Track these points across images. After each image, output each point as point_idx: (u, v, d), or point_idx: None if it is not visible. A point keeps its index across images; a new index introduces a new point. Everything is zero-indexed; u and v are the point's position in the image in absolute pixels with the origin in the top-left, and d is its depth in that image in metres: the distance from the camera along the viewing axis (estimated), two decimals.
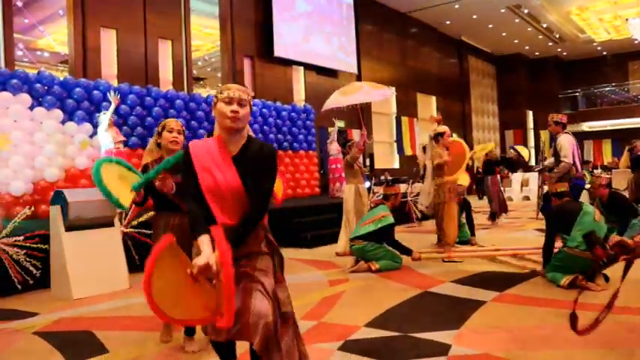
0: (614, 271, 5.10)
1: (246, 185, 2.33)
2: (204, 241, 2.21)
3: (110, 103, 7.89)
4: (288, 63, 14.67)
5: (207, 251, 2.17)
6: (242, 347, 2.86)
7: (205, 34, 14.68)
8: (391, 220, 6.29)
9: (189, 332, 3.68)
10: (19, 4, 11.32)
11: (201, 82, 17.14)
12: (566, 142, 6.64)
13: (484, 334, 3.65)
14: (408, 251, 6.23)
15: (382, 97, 7.48)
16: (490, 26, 21.94)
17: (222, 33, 13.34)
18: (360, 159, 7.43)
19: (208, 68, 17.20)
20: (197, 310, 2.17)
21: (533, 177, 15.92)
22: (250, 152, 2.39)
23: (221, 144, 2.38)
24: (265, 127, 11.73)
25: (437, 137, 6.89)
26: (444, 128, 6.92)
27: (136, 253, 6.22)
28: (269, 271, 2.40)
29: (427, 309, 4.48)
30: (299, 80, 15.18)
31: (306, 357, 2.49)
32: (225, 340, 2.30)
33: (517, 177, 18.02)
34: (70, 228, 5.50)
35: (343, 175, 11.84)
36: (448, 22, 21.22)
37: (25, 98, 7.69)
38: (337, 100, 7.27)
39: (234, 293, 2.08)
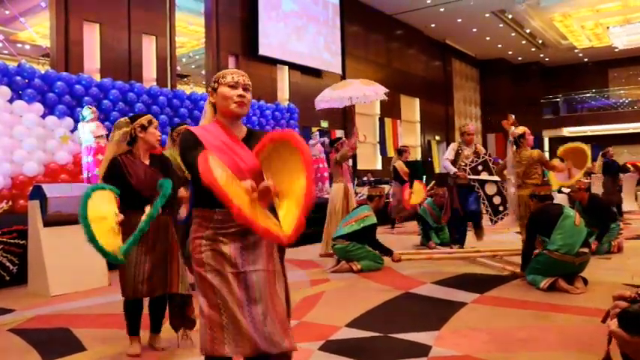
0: (592, 273, 5.19)
1: None
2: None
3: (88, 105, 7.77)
4: (273, 62, 14.63)
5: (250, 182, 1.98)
6: None
7: (190, 30, 14.58)
8: (374, 220, 6.29)
9: (156, 329, 3.63)
10: None
11: (185, 80, 17.01)
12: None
13: (464, 336, 3.67)
14: (388, 252, 6.22)
15: (374, 94, 7.43)
16: (474, 30, 22.10)
17: (207, 30, 13.25)
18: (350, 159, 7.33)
19: (192, 65, 17.09)
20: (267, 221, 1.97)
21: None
22: (256, 138, 2.26)
23: (226, 128, 2.29)
24: (248, 125, 11.66)
25: (518, 140, 6.39)
26: (522, 129, 6.43)
27: None
28: (280, 270, 2.36)
29: (408, 310, 4.49)
30: (283, 79, 15.15)
31: None
32: (254, 355, 2.14)
33: None
34: (48, 223, 5.42)
35: (326, 175, 11.93)
36: (433, 26, 21.33)
37: (5, 91, 7.57)
38: (329, 95, 7.22)
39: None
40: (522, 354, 3.31)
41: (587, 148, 6.91)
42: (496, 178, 7.14)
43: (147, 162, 3.58)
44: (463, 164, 7.17)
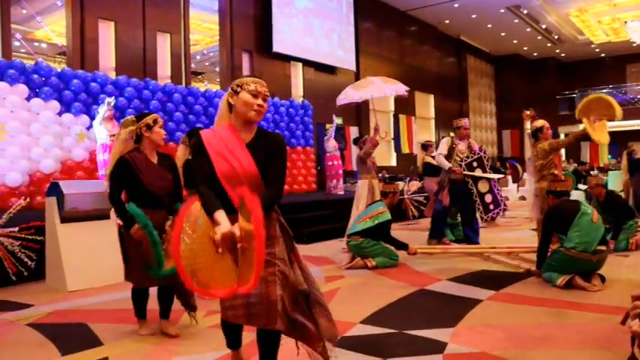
0: (609, 270, 5.14)
1: (261, 171, 2.42)
2: (221, 215, 2.23)
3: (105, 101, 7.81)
4: (287, 59, 14.62)
5: (227, 222, 2.19)
6: (247, 337, 2.86)
7: (204, 28, 14.61)
8: (388, 216, 6.28)
9: (165, 315, 3.80)
10: None
11: (200, 77, 17.07)
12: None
13: (480, 333, 3.65)
14: (403, 246, 6.21)
15: (394, 93, 7.42)
16: (489, 26, 21.93)
17: (221, 28, 13.28)
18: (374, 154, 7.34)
19: (207, 63, 17.12)
20: (222, 280, 2.18)
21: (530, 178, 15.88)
22: (263, 140, 2.49)
23: (235, 132, 2.47)
24: (263, 122, 11.71)
25: (536, 134, 6.26)
26: (541, 122, 6.27)
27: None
28: (283, 254, 2.48)
29: (423, 306, 4.47)
30: (297, 76, 15.14)
31: (328, 330, 2.69)
32: (244, 323, 2.43)
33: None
34: (65, 220, 5.47)
35: (340, 172, 11.92)
36: (447, 22, 21.21)
37: (22, 89, 7.66)
38: (350, 94, 7.23)
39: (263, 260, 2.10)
40: (539, 351, 3.29)
41: (610, 99, 6.06)
42: (491, 175, 7.16)
43: (155, 160, 3.70)
44: (459, 159, 7.14)
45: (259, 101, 2.45)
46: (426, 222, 10.04)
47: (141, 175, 3.53)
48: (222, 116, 2.54)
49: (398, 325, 3.85)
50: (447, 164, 7.12)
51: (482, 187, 7.16)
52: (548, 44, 24.85)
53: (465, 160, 7.08)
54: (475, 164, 7.14)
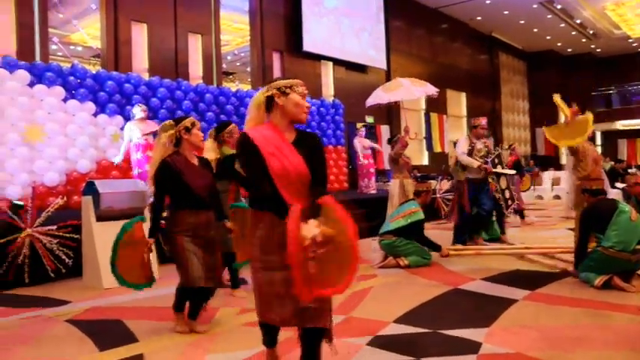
0: None
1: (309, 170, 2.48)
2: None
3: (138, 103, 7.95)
4: (317, 58, 14.63)
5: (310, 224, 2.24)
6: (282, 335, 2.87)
7: (235, 28, 14.73)
8: (421, 215, 6.23)
9: (194, 316, 3.85)
10: None
11: (231, 77, 17.22)
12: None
13: (515, 333, 3.59)
14: (436, 247, 6.18)
15: (424, 95, 7.41)
16: (522, 22, 21.57)
17: (251, 28, 13.36)
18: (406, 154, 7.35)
19: (238, 63, 17.26)
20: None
21: (564, 176, 15.62)
22: (304, 139, 2.56)
23: (279, 132, 2.52)
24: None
25: None
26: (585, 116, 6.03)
27: (165, 245, 6.23)
28: None
29: (457, 306, 4.43)
30: (328, 75, 15.14)
31: None
32: (296, 325, 2.47)
33: (548, 175, 17.74)
34: (100, 218, 5.58)
35: (372, 170, 11.87)
36: (479, 18, 20.93)
37: (59, 91, 7.85)
38: (379, 96, 7.26)
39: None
40: (575, 353, 3.22)
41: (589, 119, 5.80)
42: (512, 171, 7.33)
43: (194, 162, 3.80)
44: (479, 157, 7.08)
45: (306, 104, 2.55)
46: None
47: (183, 177, 3.62)
48: (257, 116, 2.57)
49: (431, 324, 3.82)
50: (475, 162, 7.03)
51: (503, 183, 7.30)
52: (583, 39, 24.31)
53: (489, 157, 7.05)
54: (496, 161, 7.20)
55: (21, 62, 7.92)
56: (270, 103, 2.54)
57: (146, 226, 3.90)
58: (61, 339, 3.86)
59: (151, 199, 3.93)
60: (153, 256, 5.78)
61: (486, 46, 23.62)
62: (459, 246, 7.06)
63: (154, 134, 8.17)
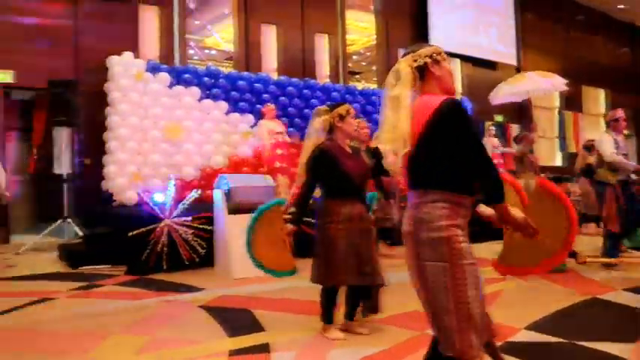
0: None
1: None
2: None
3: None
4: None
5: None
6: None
7: (360, 28, 14.79)
8: None
9: (352, 316, 3.69)
10: (192, 6, 12.23)
11: (357, 77, 17.32)
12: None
13: None
14: (572, 253, 5.72)
15: (551, 87, 6.88)
16: None
17: (377, 26, 13.34)
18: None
19: (363, 62, 17.34)
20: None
21: None
22: None
23: None
24: None
25: None
26: None
27: (295, 240, 6.27)
28: None
29: (596, 317, 4.07)
30: (455, 72, 14.66)
31: None
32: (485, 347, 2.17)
33: None
34: (232, 211, 5.80)
35: (501, 171, 11.34)
36: (621, 7, 19.25)
37: (195, 91, 8.32)
38: (504, 90, 6.85)
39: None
40: None
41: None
42: None
43: (349, 150, 3.61)
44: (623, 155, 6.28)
45: None
46: (594, 227, 9.22)
47: (340, 163, 3.46)
48: (409, 82, 2.20)
49: (567, 334, 3.52)
50: (631, 164, 6.23)
51: None
52: None
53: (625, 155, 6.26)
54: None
55: (162, 65, 8.53)
56: (422, 74, 2.23)
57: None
58: (194, 322, 4.08)
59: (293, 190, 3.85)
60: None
61: (629, 37, 21.69)
62: (598, 255, 6.45)
63: (285, 133, 8.42)
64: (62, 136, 8.05)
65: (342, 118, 3.53)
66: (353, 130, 3.59)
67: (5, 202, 7.30)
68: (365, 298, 3.64)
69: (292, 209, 3.75)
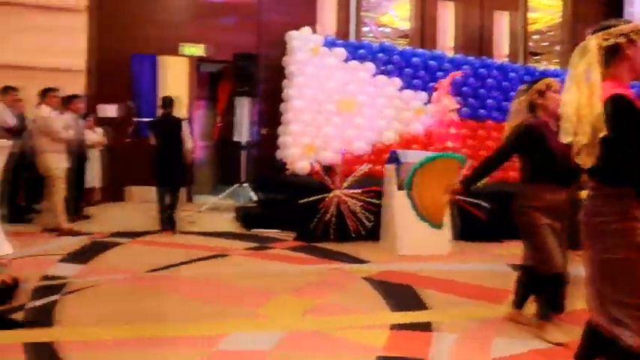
0: None
1: None
2: None
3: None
4: None
5: None
6: None
7: (545, 5, 13.74)
8: None
9: (521, 305, 3.41)
10: None
11: (537, 57, 16.21)
12: None
13: None
14: None
15: None
16: None
17: (564, 4, 12.31)
18: None
19: (545, 42, 16.15)
20: None
21: None
22: None
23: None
24: None
25: None
26: None
27: (461, 222, 6.08)
28: None
29: None
30: None
31: None
32: None
33: None
34: (402, 187, 5.75)
35: None
36: None
37: (370, 67, 8.36)
38: None
39: None
40: None
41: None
42: None
43: (555, 129, 3.13)
44: None
45: None
46: None
47: (549, 141, 3.12)
48: (597, 62, 1.99)
49: None
50: None
51: None
52: None
53: None
54: None
55: (338, 41, 8.68)
56: (612, 55, 2.00)
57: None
58: (358, 293, 4.14)
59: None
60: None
61: None
62: None
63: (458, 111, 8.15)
64: (243, 106, 8.60)
65: (541, 93, 3.21)
66: (556, 106, 3.00)
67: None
68: (535, 292, 3.33)
69: (469, 174, 3.55)
